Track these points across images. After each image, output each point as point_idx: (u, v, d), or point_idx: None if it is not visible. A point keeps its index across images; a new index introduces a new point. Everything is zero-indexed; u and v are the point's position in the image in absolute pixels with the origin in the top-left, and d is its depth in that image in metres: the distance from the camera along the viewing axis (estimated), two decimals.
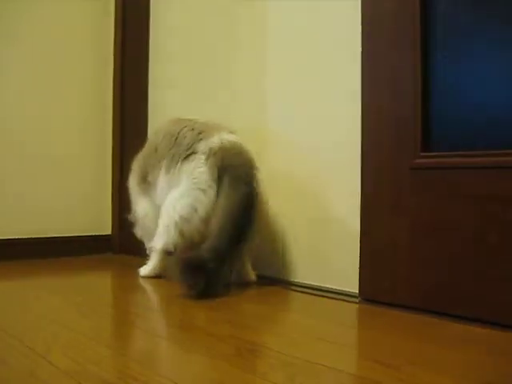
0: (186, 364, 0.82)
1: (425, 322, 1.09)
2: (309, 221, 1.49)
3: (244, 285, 1.44)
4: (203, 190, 1.41)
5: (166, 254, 1.51)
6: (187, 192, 1.43)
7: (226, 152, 1.43)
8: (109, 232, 2.24)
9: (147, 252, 1.68)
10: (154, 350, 0.90)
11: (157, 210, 1.58)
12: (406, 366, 0.79)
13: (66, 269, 1.81)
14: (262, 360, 0.83)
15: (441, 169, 1.16)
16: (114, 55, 2.24)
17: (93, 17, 2.21)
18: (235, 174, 1.39)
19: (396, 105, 1.24)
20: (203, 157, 1.44)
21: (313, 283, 1.46)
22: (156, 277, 1.55)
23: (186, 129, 1.53)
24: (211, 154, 1.43)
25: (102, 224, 2.23)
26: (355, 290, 1.32)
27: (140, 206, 1.68)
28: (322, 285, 1.43)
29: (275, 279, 1.53)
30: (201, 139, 1.48)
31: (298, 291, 1.42)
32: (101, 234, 2.21)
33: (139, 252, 1.78)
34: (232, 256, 1.33)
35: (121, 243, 2.20)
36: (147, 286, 1.49)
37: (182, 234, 1.44)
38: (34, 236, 2.00)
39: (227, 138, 1.47)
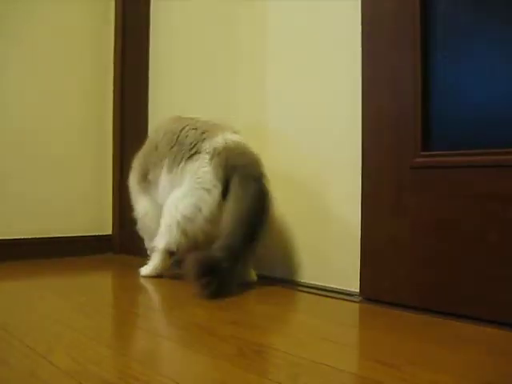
0: (187, 364, 0.82)
1: (425, 321, 1.10)
2: (309, 220, 1.49)
3: (245, 285, 1.44)
4: (207, 190, 1.41)
5: (169, 253, 1.51)
6: (191, 192, 1.43)
7: (231, 152, 1.43)
8: (109, 232, 2.25)
9: (148, 252, 1.68)
10: (156, 349, 0.90)
11: (157, 208, 1.58)
12: (407, 365, 0.79)
13: (66, 268, 1.82)
14: (265, 360, 0.83)
15: (441, 168, 1.16)
16: (115, 55, 2.25)
17: (93, 19, 2.21)
18: (245, 172, 1.39)
19: (396, 104, 1.24)
20: (207, 156, 1.43)
21: (314, 283, 1.46)
22: (157, 277, 1.55)
23: (188, 127, 1.53)
24: (216, 153, 1.43)
25: (103, 224, 2.23)
26: (356, 289, 1.32)
27: (140, 204, 1.68)
28: (324, 284, 1.43)
29: (276, 279, 1.53)
30: (204, 139, 1.47)
31: (299, 291, 1.42)
32: (101, 233, 2.22)
33: (140, 252, 1.78)
34: (245, 255, 1.33)
35: (121, 243, 2.21)
36: (148, 286, 1.49)
37: (185, 233, 1.44)
38: (34, 236, 2.00)
39: (231, 137, 1.47)
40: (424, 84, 1.20)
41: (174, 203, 1.45)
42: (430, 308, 1.15)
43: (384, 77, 1.27)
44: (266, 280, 1.51)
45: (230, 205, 1.36)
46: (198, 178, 1.42)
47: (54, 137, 2.08)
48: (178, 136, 1.52)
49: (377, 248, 1.27)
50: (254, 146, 1.48)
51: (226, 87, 1.78)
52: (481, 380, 0.75)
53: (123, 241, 2.20)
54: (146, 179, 1.63)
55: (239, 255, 1.30)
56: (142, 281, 1.54)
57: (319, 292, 1.39)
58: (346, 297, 1.32)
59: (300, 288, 1.44)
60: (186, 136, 1.50)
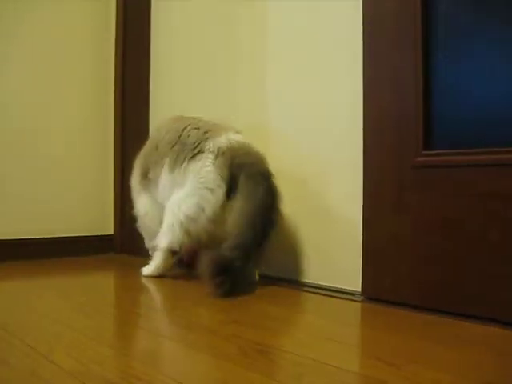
0: (189, 363, 0.82)
1: (427, 320, 1.09)
2: (312, 220, 1.49)
3: (247, 285, 1.44)
4: (211, 190, 1.40)
5: (171, 253, 1.51)
6: (193, 191, 1.43)
7: (236, 152, 1.43)
8: (111, 232, 2.25)
9: (149, 252, 1.68)
10: (158, 349, 0.90)
11: (158, 208, 1.58)
12: (409, 364, 0.79)
13: (68, 269, 1.82)
14: (268, 360, 0.83)
15: (442, 167, 1.16)
16: (116, 56, 2.25)
17: (94, 19, 2.21)
18: (252, 170, 1.39)
19: (397, 104, 1.24)
20: (211, 156, 1.43)
21: (316, 282, 1.46)
22: (159, 276, 1.55)
23: (190, 127, 1.53)
24: (220, 153, 1.42)
25: (104, 224, 2.23)
26: (358, 288, 1.32)
27: (141, 202, 1.68)
28: (325, 284, 1.43)
29: (277, 278, 1.53)
30: (207, 138, 1.47)
31: (301, 290, 1.42)
32: (103, 233, 2.22)
33: (141, 252, 1.78)
34: (256, 253, 1.32)
35: (123, 243, 2.21)
36: (150, 286, 1.49)
37: (188, 233, 1.44)
38: (35, 236, 2.00)
39: (234, 137, 1.47)
40: (425, 83, 1.20)
41: (177, 203, 1.45)
42: (432, 307, 1.15)
43: (385, 76, 1.27)
44: (267, 280, 1.51)
45: (239, 203, 1.36)
46: (201, 177, 1.42)
47: (55, 137, 2.09)
48: (180, 135, 1.52)
49: (378, 247, 1.27)
50: (256, 146, 1.48)
51: (226, 87, 1.78)
52: (482, 379, 0.75)
53: (124, 241, 2.20)
54: (146, 177, 1.63)
55: (250, 254, 1.29)
56: (144, 281, 1.54)
57: (321, 291, 1.39)
58: (347, 296, 1.32)
59: (301, 287, 1.44)
60: (188, 135, 1.50)
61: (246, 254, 1.28)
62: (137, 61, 2.20)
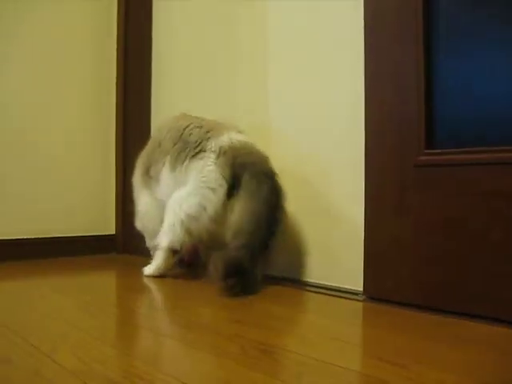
0: (192, 363, 0.82)
1: (429, 319, 1.09)
2: (313, 220, 1.49)
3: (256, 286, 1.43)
4: (212, 189, 1.40)
5: (172, 252, 1.51)
6: (195, 191, 1.42)
7: (238, 151, 1.42)
8: (113, 232, 2.25)
9: (151, 252, 1.68)
10: (160, 349, 0.90)
11: (158, 206, 1.58)
12: (412, 364, 0.79)
13: (70, 268, 1.82)
14: (270, 359, 0.83)
15: (445, 166, 1.16)
16: (117, 56, 2.25)
17: (95, 18, 2.21)
18: (256, 169, 1.39)
19: (399, 101, 1.24)
20: (213, 155, 1.43)
21: (319, 282, 1.46)
22: (161, 276, 1.55)
23: (192, 125, 1.53)
24: (222, 152, 1.42)
25: (106, 224, 2.23)
26: (360, 288, 1.32)
27: (142, 200, 1.68)
28: (328, 283, 1.43)
29: (281, 278, 1.53)
30: (209, 137, 1.47)
31: (303, 290, 1.42)
32: (105, 233, 2.22)
33: (143, 251, 1.78)
34: (263, 253, 1.32)
35: (125, 243, 2.21)
36: (152, 286, 1.49)
37: (189, 232, 1.44)
38: (38, 236, 2.00)
39: (236, 137, 1.47)
40: (427, 80, 1.19)
41: (178, 202, 1.45)
42: (434, 306, 1.14)
43: (387, 72, 1.27)
44: (270, 279, 1.50)
45: (243, 202, 1.36)
46: (203, 176, 1.42)
47: (57, 137, 2.09)
48: (182, 134, 1.52)
49: (380, 248, 1.27)
50: (258, 146, 1.48)
51: (227, 87, 1.77)
52: (486, 379, 0.74)
53: (126, 240, 2.20)
54: (147, 174, 1.63)
55: (257, 253, 1.29)
56: (146, 280, 1.54)
57: (323, 291, 1.38)
58: (350, 296, 1.32)
59: (304, 287, 1.44)
60: (190, 134, 1.50)
61: (253, 253, 1.28)
62: (138, 60, 2.20)
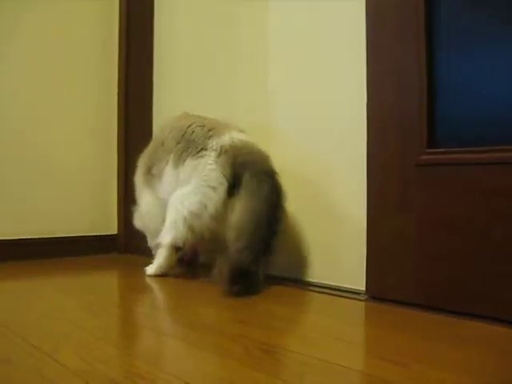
0: (194, 362, 0.82)
1: (431, 319, 1.09)
2: (315, 219, 1.49)
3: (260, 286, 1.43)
4: (213, 188, 1.41)
5: (175, 249, 1.51)
6: (196, 189, 1.43)
7: (239, 150, 1.43)
8: (114, 232, 2.25)
9: (152, 252, 1.68)
10: (162, 348, 0.90)
11: (160, 206, 1.58)
12: (414, 364, 0.79)
13: (72, 268, 1.82)
14: (273, 359, 0.83)
15: (446, 165, 1.16)
16: (119, 56, 2.25)
17: (97, 19, 2.21)
18: (256, 168, 1.39)
19: (401, 99, 1.24)
20: (214, 154, 1.43)
21: (321, 281, 1.46)
22: (163, 275, 1.55)
23: (194, 125, 1.53)
24: (222, 151, 1.43)
25: (108, 224, 2.23)
26: (362, 287, 1.32)
27: (144, 199, 1.68)
28: (330, 283, 1.43)
29: (283, 278, 1.53)
30: (211, 136, 1.47)
31: (306, 289, 1.41)
32: (106, 233, 2.22)
33: (145, 251, 1.78)
34: (265, 253, 1.32)
35: (126, 243, 2.21)
36: (154, 285, 1.49)
37: (191, 229, 1.44)
38: (40, 236, 2.00)
39: (238, 136, 1.47)
40: (429, 79, 1.19)
41: (180, 199, 1.45)
42: (436, 306, 1.14)
43: (388, 69, 1.27)
44: (272, 279, 1.50)
45: (243, 201, 1.36)
46: (204, 175, 1.42)
47: (59, 137, 2.08)
48: (185, 133, 1.52)
49: (383, 246, 1.27)
50: (259, 145, 1.48)
51: (228, 87, 1.77)
52: (488, 379, 0.74)
53: (128, 240, 2.20)
54: (150, 173, 1.63)
55: (260, 254, 1.30)
56: (148, 280, 1.54)
57: (325, 291, 1.38)
58: (352, 295, 1.32)
59: (306, 287, 1.44)
60: (192, 132, 1.50)
61: (256, 254, 1.28)
62: (140, 61, 2.20)
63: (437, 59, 1.19)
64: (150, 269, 1.57)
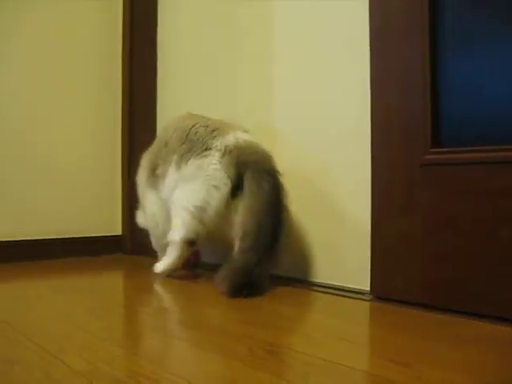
0: (198, 363, 0.82)
1: (437, 319, 1.09)
2: (319, 219, 1.48)
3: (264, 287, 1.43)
4: (216, 187, 1.41)
5: (187, 244, 1.49)
6: (199, 187, 1.43)
7: (243, 150, 1.43)
8: (119, 232, 2.25)
9: (158, 253, 1.68)
10: (167, 349, 0.90)
11: (165, 206, 1.58)
12: (418, 364, 0.79)
13: (77, 269, 1.82)
14: (277, 359, 0.83)
15: (451, 165, 1.15)
16: (123, 55, 2.25)
17: (101, 17, 2.21)
18: (257, 167, 1.39)
19: (405, 99, 1.23)
20: (218, 154, 1.43)
21: (325, 281, 1.45)
22: (171, 275, 1.53)
23: (198, 125, 1.53)
24: (227, 151, 1.43)
25: (113, 224, 2.24)
26: (367, 287, 1.31)
27: (148, 200, 1.67)
28: (335, 283, 1.43)
29: (288, 278, 1.53)
30: (215, 136, 1.47)
31: (311, 290, 1.41)
32: (111, 234, 2.22)
33: (149, 252, 1.78)
34: (270, 253, 1.32)
35: (131, 243, 2.21)
36: (158, 286, 1.49)
37: (201, 222, 1.44)
38: (45, 237, 2.01)
39: (242, 136, 1.47)
40: (433, 79, 1.19)
41: (185, 197, 1.45)
42: (442, 306, 1.14)
43: (394, 68, 1.26)
44: (276, 279, 1.50)
45: (246, 201, 1.36)
46: (208, 175, 1.42)
47: (63, 137, 2.09)
48: (188, 133, 1.52)
49: (388, 246, 1.26)
50: (263, 145, 1.48)
51: (232, 87, 1.78)
52: (493, 379, 0.74)
53: (133, 241, 2.20)
54: (154, 174, 1.63)
55: (264, 255, 1.30)
56: (152, 281, 1.54)
57: (330, 291, 1.38)
58: (356, 295, 1.32)
59: (311, 287, 1.44)
60: (196, 133, 1.50)
61: (259, 255, 1.28)
62: (144, 60, 2.20)
63: (442, 58, 1.19)
64: (160, 265, 1.55)
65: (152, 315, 1.17)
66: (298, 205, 1.50)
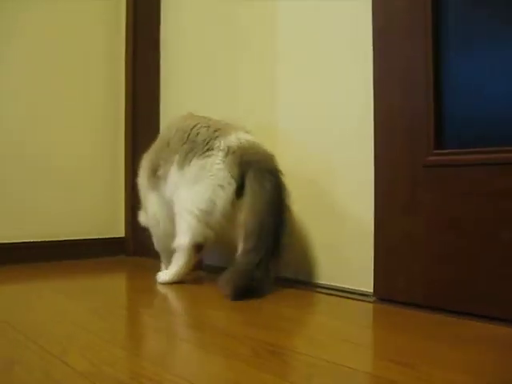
0: (201, 364, 0.82)
1: (439, 320, 1.08)
2: (322, 220, 1.48)
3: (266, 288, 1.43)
4: (221, 186, 1.40)
5: (195, 249, 1.48)
6: (204, 187, 1.42)
7: (245, 150, 1.43)
8: (122, 234, 2.25)
9: (160, 255, 1.68)
10: (170, 350, 0.90)
11: (167, 207, 1.58)
12: (422, 365, 0.78)
13: (80, 271, 1.82)
14: (280, 361, 0.82)
15: (454, 166, 1.15)
16: (126, 56, 2.25)
17: (104, 18, 2.22)
18: (259, 166, 1.39)
19: (408, 100, 1.23)
20: (221, 154, 1.43)
21: (328, 283, 1.45)
22: (180, 282, 1.50)
23: (199, 125, 1.53)
24: (230, 152, 1.42)
25: (116, 226, 2.24)
26: (370, 289, 1.31)
27: (150, 201, 1.67)
28: (338, 284, 1.42)
29: (290, 280, 1.52)
30: (217, 136, 1.47)
31: (314, 291, 1.41)
32: (114, 236, 2.22)
33: (152, 254, 1.78)
34: (273, 253, 1.32)
35: (134, 245, 2.21)
36: (161, 288, 1.49)
37: (208, 224, 1.43)
38: (47, 239, 2.01)
39: (244, 137, 1.47)
40: (436, 79, 1.18)
41: (190, 199, 1.44)
42: (445, 307, 1.13)
43: (397, 67, 1.26)
44: (279, 281, 1.50)
45: (248, 201, 1.36)
46: (212, 174, 1.42)
47: (65, 138, 2.09)
48: (190, 134, 1.52)
49: (391, 247, 1.26)
50: (265, 146, 1.48)
51: (235, 87, 1.78)
52: (496, 379, 0.74)
53: (136, 243, 2.20)
54: (155, 175, 1.62)
55: (267, 255, 1.29)
56: (155, 283, 1.53)
57: (333, 292, 1.38)
58: (359, 297, 1.31)
59: (313, 288, 1.43)
60: (198, 133, 1.50)
61: (262, 255, 1.28)
62: (147, 59, 2.20)
63: (445, 58, 1.19)
64: (164, 275, 1.52)
65: (155, 317, 1.16)
66: (300, 205, 1.50)
